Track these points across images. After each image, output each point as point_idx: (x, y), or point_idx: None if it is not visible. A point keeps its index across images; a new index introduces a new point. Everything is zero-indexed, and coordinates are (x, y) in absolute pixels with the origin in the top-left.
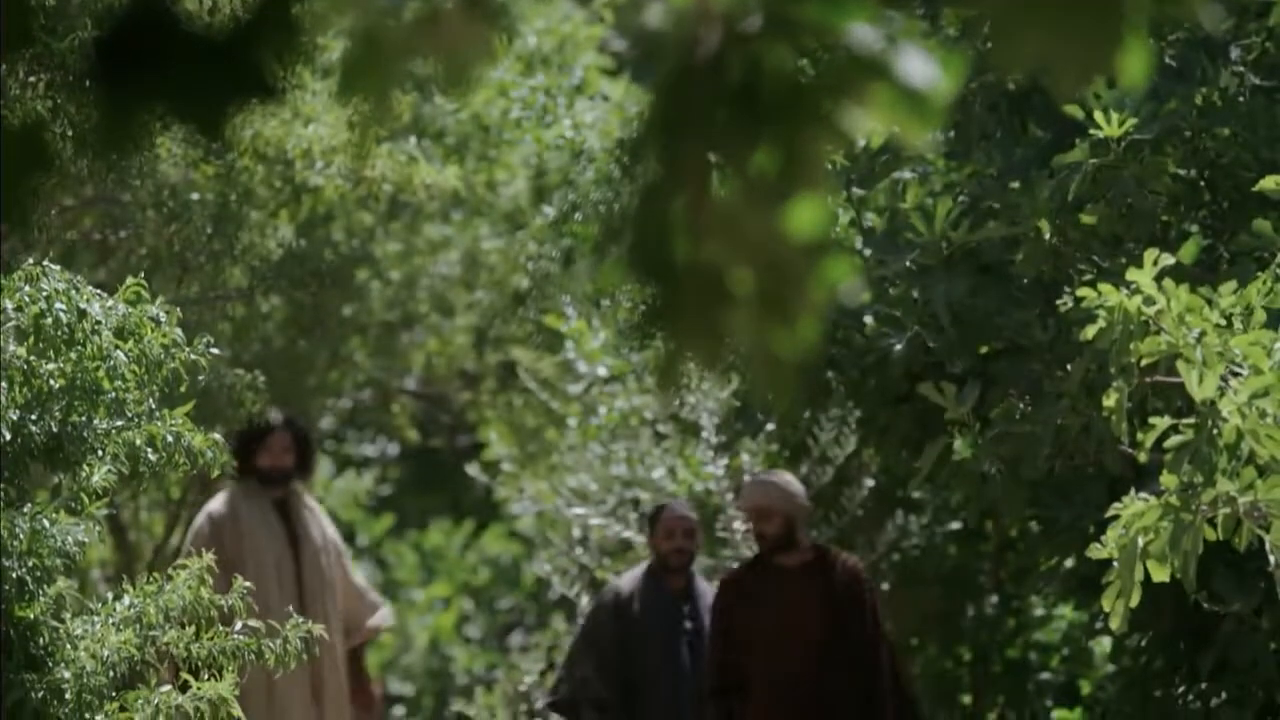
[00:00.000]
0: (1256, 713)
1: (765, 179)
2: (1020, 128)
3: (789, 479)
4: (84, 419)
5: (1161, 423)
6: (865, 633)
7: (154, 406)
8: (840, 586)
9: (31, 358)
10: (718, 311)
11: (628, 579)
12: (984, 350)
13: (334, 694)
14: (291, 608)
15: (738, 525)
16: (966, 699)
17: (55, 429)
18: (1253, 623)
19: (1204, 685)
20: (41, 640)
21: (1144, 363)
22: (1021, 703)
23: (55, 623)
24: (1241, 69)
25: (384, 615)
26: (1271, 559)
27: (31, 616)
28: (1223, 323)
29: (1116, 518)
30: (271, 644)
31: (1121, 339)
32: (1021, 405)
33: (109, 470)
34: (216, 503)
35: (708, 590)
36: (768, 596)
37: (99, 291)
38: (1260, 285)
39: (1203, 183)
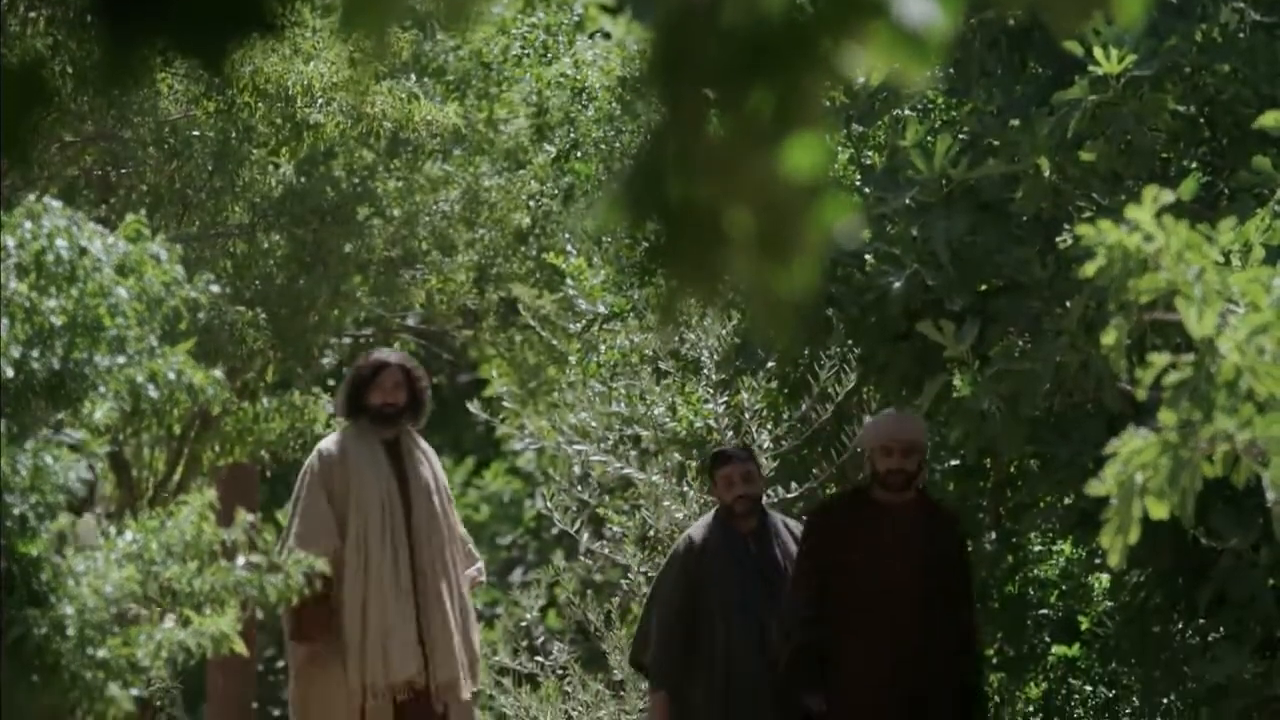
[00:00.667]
0: (1254, 647)
1: (763, 118)
2: (1020, 65)
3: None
4: (85, 356)
5: (1160, 360)
6: (959, 583)
7: (155, 343)
8: (940, 532)
9: (33, 294)
10: (717, 250)
11: (699, 526)
12: (983, 288)
13: (443, 633)
14: (400, 548)
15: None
16: None
17: (57, 366)
18: (1250, 558)
19: (1202, 620)
20: (44, 576)
21: (1143, 300)
22: (1020, 638)
23: (57, 559)
24: (1241, 5)
25: (481, 568)
26: (1269, 495)
27: (34, 553)
28: (1222, 259)
29: (1115, 454)
30: (273, 579)
31: (1120, 276)
32: (1020, 343)
33: (110, 407)
34: (328, 441)
35: (783, 527)
36: (866, 535)
37: (100, 228)
38: (1259, 222)
39: (1202, 119)
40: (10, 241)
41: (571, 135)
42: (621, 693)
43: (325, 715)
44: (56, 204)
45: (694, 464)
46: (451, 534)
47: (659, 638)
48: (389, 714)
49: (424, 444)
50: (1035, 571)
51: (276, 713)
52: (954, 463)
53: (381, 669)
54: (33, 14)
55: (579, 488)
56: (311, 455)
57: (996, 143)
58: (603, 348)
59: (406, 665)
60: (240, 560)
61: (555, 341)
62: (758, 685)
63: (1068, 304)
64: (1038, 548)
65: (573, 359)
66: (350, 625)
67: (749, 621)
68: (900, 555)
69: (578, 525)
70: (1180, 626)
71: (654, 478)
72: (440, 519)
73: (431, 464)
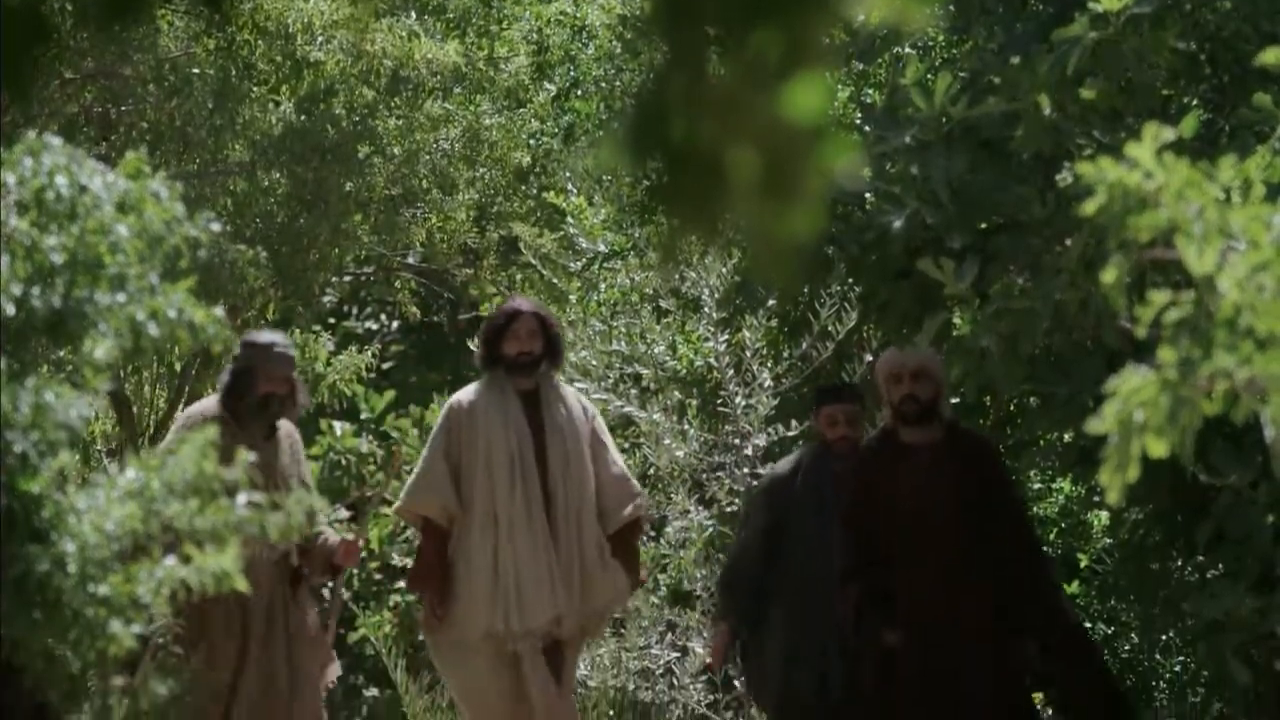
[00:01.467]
0: (1252, 583)
1: (766, 59)
2: (1020, 2)
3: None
4: (86, 294)
5: (1160, 297)
6: (1006, 519)
7: (156, 281)
8: (975, 467)
9: (33, 232)
10: (719, 189)
11: (789, 460)
12: (983, 226)
13: (574, 580)
14: (533, 499)
15: (739, 400)
16: None
17: (58, 303)
18: (1249, 495)
19: (1200, 557)
20: (45, 513)
21: (1143, 237)
22: None
23: (58, 496)
24: None
25: (640, 504)
26: (1268, 432)
27: (35, 490)
28: (1222, 197)
29: (1114, 392)
30: (275, 518)
31: (1120, 214)
32: (1020, 281)
33: (111, 345)
34: (463, 392)
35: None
36: (898, 478)
37: (100, 166)
38: (1260, 159)
39: (1203, 56)
40: (10, 178)
41: (572, 74)
42: (622, 630)
43: (459, 664)
44: (56, 141)
45: (694, 402)
46: (584, 480)
47: (730, 571)
48: (534, 661)
49: (568, 392)
50: (1035, 509)
51: None
52: (954, 401)
53: (515, 618)
54: None
55: None
56: (445, 405)
57: (997, 81)
58: (603, 286)
59: (538, 614)
60: (241, 498)
61: (556, 280)
62: (828, 622)
63: (1067, 242)
64: (1037, 485)
65: (573, 297)
66: (478, 577)
67: (826, 561)
68: (933, 498)
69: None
70: (1179, 563)
71: (654, 416)
72: (580, 468)
73: (572, 412)
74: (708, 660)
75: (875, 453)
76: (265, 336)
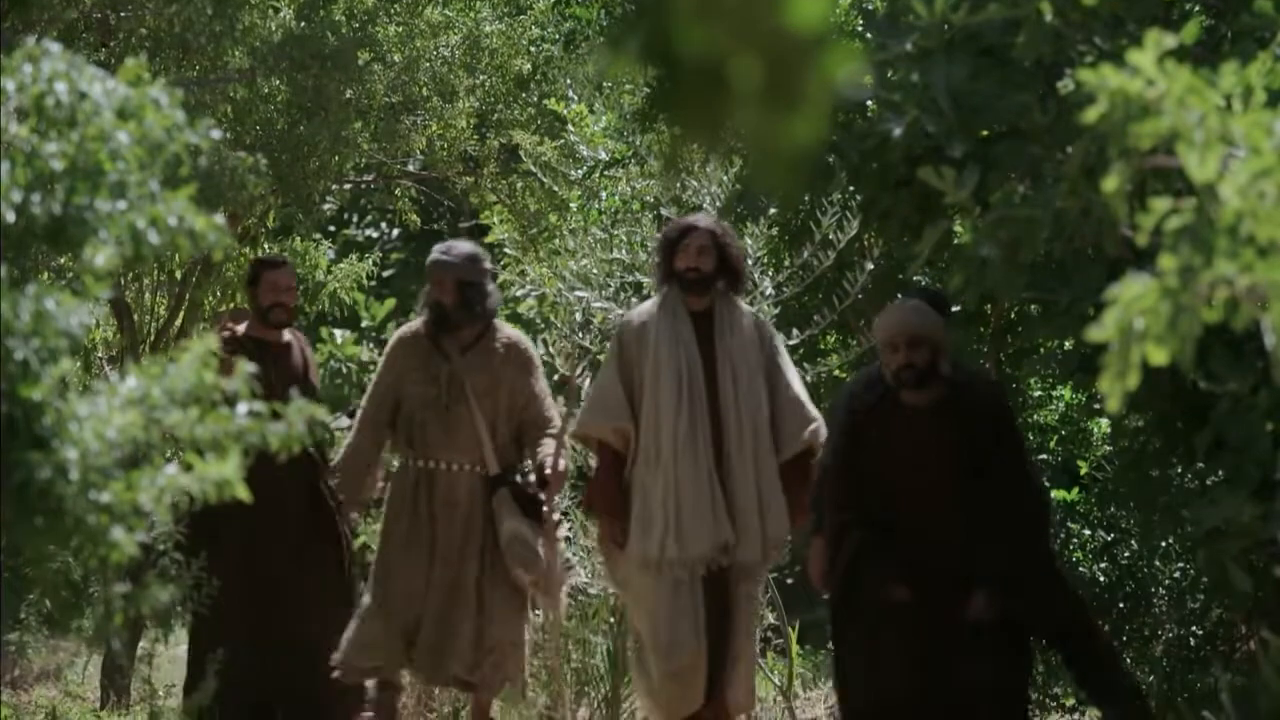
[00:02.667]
0: (1252, 490)
1: None
2: None
3: (927, 306)
4: (86, 201)
5: (1161, 205)
6: (1005, 475)
7: (156, 189)
8: (976, 426)
9: (33, 138)
10: (721, 97)
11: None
12: (984, 134)
13: (748, 509)
14: (700, 424)
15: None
16: None
17: (58, 210)
18: (1249, 402)
19: (1200, 464)
20: (46, 420)
21: (1144, 145)
22: None
23: (59, 403)
24: None
25: (816, 431)
26: (1268, 339)
27: (36, 397)
28: (1223, 104)
29: (1115, 300)
30: (276, 427)
31: (1121, 121)
32: (1021, 188)
33: (112, 252)
34: (637, 310)
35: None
36: (894, 438)
37: (100, 72)
38: (1261, 65)
39: None
40: (10, 85)
41: None
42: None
43: (634, 587)
44: (56, 47)
45: None
46: (755, 403)
47: (820, 483)
48: (695, 589)
49: (746, 313)
50: (1035, 417)
51: None
52: (954, 309)
53: (675, 546)
54: None
55: (580, 334)
56: (620, 322)
57: None
58: (604, 194)
59: (700, 543)
60: (242, 408)
61: (556, 188)
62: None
63: (1068, 150)
64: (1037, 393)
65: (574, 206)
66: (643, 502)
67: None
68: (931, 460)
69: (579, 371)
70: (1178, 470)
71: None
72: (753, 393)
73: (746, 334)
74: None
75: (874, 414)
76: (442, 247)
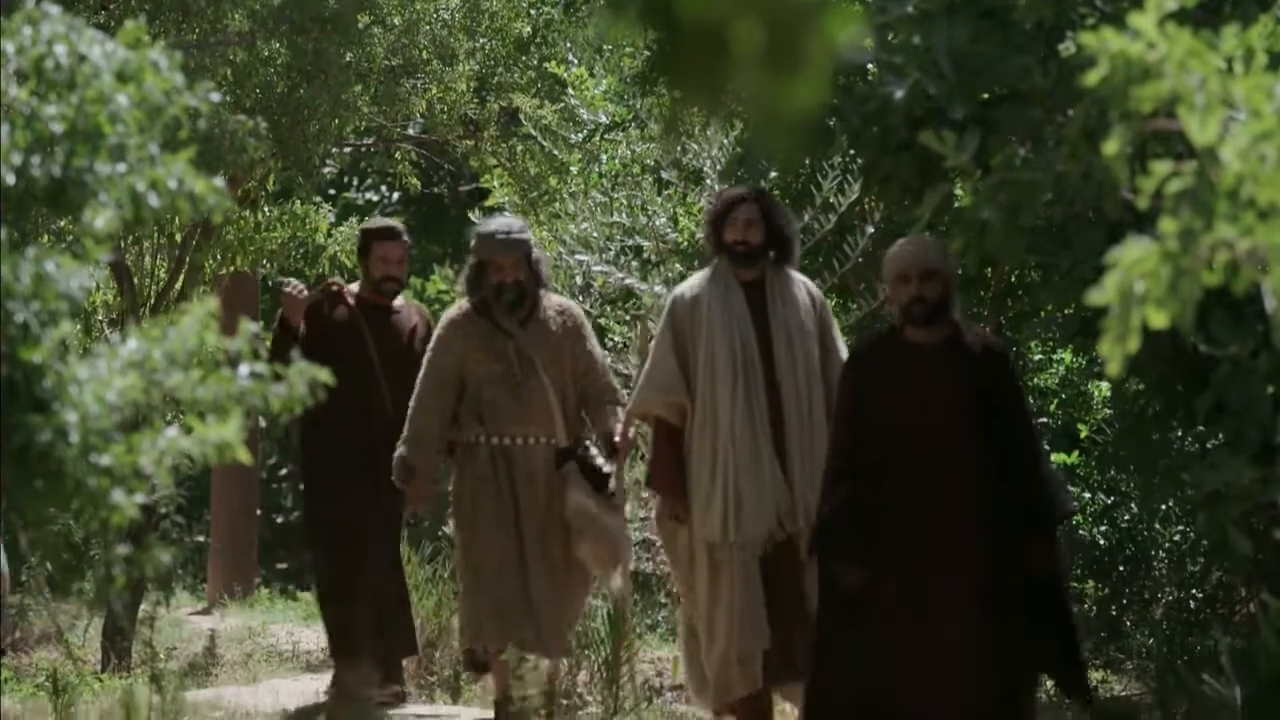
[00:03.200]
0: (1252, 453)
1: None
2: None
3: (939, 241)
4: (86, 163)
5: (1161, 168)
6: (1012, 426)
7: (156, 151)
8: (981, 366)
9: (33, 101)
10: (721, 61)
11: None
12: (985, 97)
13: (808, 480)
14: (756, 397)
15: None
16: None
17: (58, 173)
18: (1249, 365)
19: (1200, 427)
20: (46, 383)
21: (1145, 108)
22: None
23: (59, 366)
24: None
25: None
26: (1269, 302)
27: (36, 360)
28: (1225, 67)
29: (1115, 263)
30: (277, 389)
31: (1122, 84)
32: (1022, 152)
33: (112, 215)
34: (687, 282)
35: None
36: (900, 377)
37: (99, 34)
38: (1262, 28)
39: None
40: (9, 47)
41: None
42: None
43: (690, 565)
44: (56, 9)
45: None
46: (810, 372)
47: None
48: (752, 568)
49: (797, 281)
50: (1035, 380)
51: (279, 519)
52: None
53: (736, 527)
54: None
55: (580, 298)
56: (670, 295)
57: None
58: (604, 158)
59: (761, 521)
60: (243, 370)
61: (556, 151)
62: None
63: (1069, 113)
64: (1038, 357)
65: (574, 169)
66: (698, 479)
67: None
68: (939, 399)
69: None
70: (1179, 433)
71: (656, 288)
72: (809, 364)
73: (800, 304)
74: None
75: (878, 352)
76: (491, 224)
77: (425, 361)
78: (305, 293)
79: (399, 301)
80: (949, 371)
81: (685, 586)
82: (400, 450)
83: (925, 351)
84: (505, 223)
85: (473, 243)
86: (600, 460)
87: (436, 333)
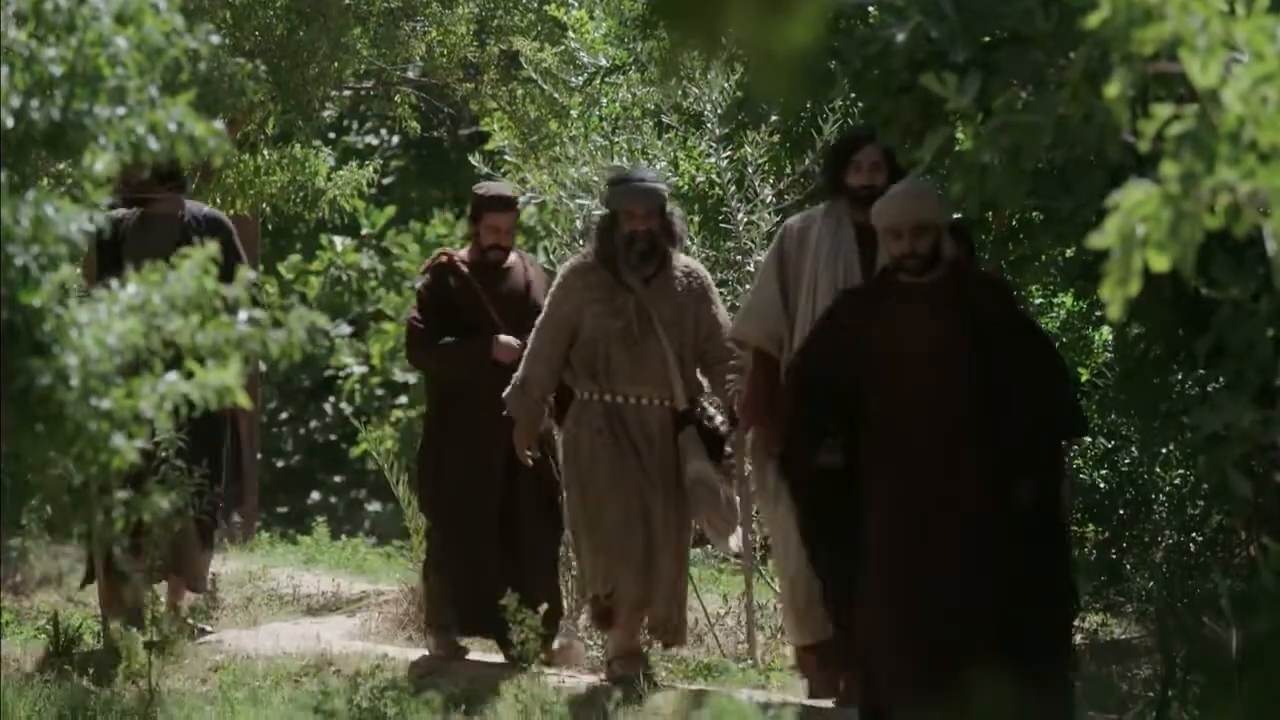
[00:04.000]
0: (1252, 396)
1: None
2: None
3: (928, 184)
4: (85, 106)
5: (1163, 111)
6: (1011, 348)
7: (155, 94)
8: (979, 300)
9: (32, 43)
10: (721, 4)
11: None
12: (986, 39)
13: None
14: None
15: (741, 217)
16: None
17: (57, 116)
18: (1250, 308)
19: (1201, 370)
20: (46, 327)
21: (1146, 51)
22: None
23: (59, 309)
24: None
25: None
26: (1270, 245)
27: (36, 303)
28: (1226, 9)
29: (1117, 207)
30: (277, 335)
31: (1124, 27)
32: (1023, 95)
33: (111, 158)
34: (797, 217)
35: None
36: (895, 316)
37: None
38: None
39: None
40: None
41: None
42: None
43: (783, 500)
44: None
45: (696, 218)
46: None
47: None
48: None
49: None
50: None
51: (279, 464)
52: (956, 216)
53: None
54: None
55: (580, 242)
56: (780, 229)
57: None
58: (604, 101)
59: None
60: (243, 314)
61: (556, 95)
62: None
63: (1071, 55)
64: (1039, 301)
65: (574, 113)
66: None
67: None
68: (927, 334)
69: None
70: (1179, 377)
71: None
72: None
73: None
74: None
75: (873, 290)
76: (626, 173)
77: (545, 306)
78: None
79: (511, 258)
80: (940, 308)
81: (770, 521)
82: (507, 392)
83: (917, 290)
84: (640, 171)
85: (605, 190)
86: (719, 426)
87: (557, 279)
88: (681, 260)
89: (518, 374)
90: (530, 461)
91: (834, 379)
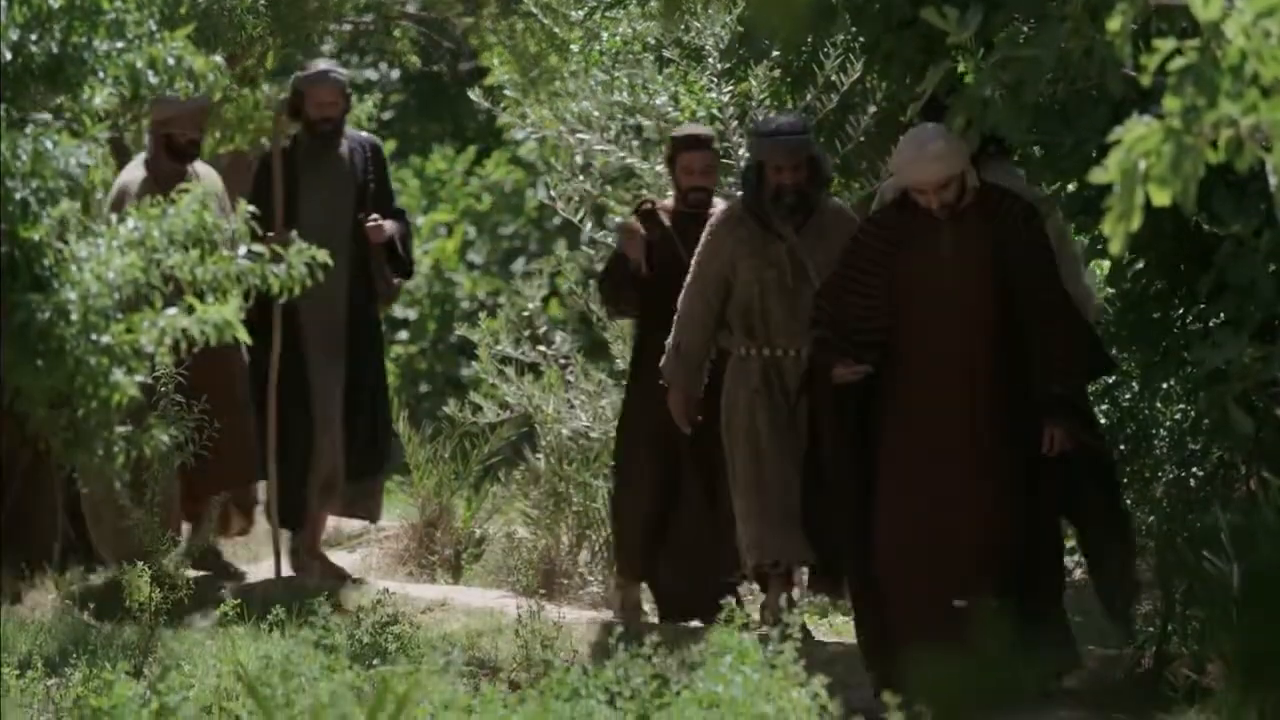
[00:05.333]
0: (1253, 332)
1: None
2: None
3: (943, 133)
4: (84, 40)
5: (1165, 45)
6: (1043, 287)
7: (154, 28)
8: (1001, 228)
9: None
10: None
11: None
12: None
13: None
14: None
15: (742, 152)
16: None
17: (55, 50)
18: (1251, 244)
19: (1202, 306)
20: (46, 261)
21: None
22: None
23: (59, 244)
24: None
25: None
26: (1272, 180)
27: (36, 238)
28: None
29: (1118, 141)
30: (276, 269)
31: None
32: (1025, 29)
33: (110, 92)
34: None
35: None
36: (921, 244)
37: None
38: None
39: None
40: None
41: None
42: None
43: None
44: None
45: None
46: None
47: None
48: None
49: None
50: None
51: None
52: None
53: None
54: None
55: (581, 177)
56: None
57: None
58: (605, 36)
59: None
60: (242, 249)
61: (557, 29)
62: None
63: None
64: None
65: (575, 47)
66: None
67: None
68: (951, 264)
69: (580, 215)
70: (1180, 312)
71: (656, 167)
72: None
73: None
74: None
75: (897, 218)
76: (772, 124)
77: (692, 266)
78: (643, 232)
79: (716, 205)
80: (965, 238)
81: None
82: (662, 362)
83: (941, 219)
84: (788, 121)
85: (750, 139)
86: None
87: (704, 236)
88: (831, 202)
89: (670, 338)
90: (689, 430)
91: (860, 308)
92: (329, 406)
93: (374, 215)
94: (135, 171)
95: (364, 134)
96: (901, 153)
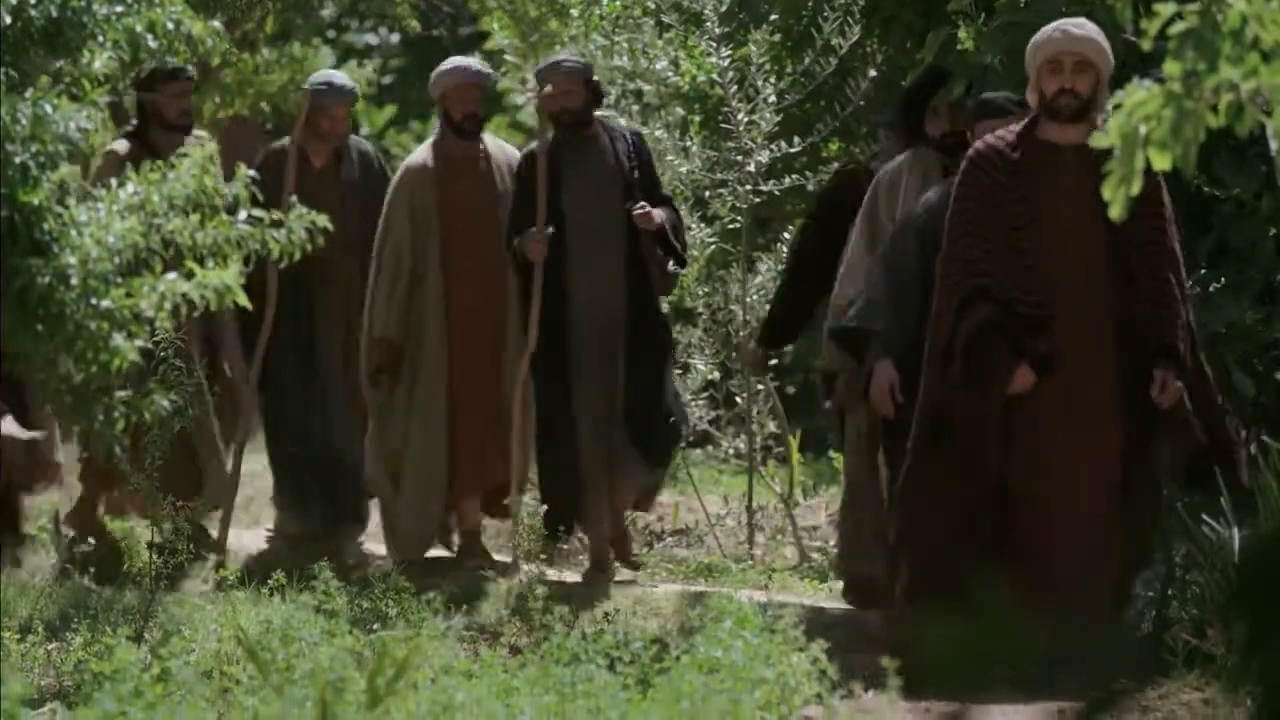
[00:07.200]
0: (1254, 295)
1: None
2: None
3: (1098, 30)
4: (84, 4)
5: (1166, 9)
6: (1156, 235)
7: None
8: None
9: None
10: None
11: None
12: None
13: None
14: None
15: (742, 116)
16: None
17: (55, 13)
18: (1252, 206)
19: (1203, 269)
20: (46, 226)
21: None
22: None
23: (59, 209)
24: None
25: None
26: (1272, 144)
27: (35, 202)
28: None
29: (1119, 105)
30: (276, 234)
31: None
32: None
33: (109, 56)
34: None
35: None
36: (1035, 181)
37: None
38: None
39: None
40: None
41: None
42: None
43: None
44: None
45: (696, 118)
46: None
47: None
48: None
49: None
50: None
51: None
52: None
53: None
54: None
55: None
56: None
57: None
58: (605, 0)
59: None
60: (242, 214)
61: None
62: None
63: None
64: None
65: (574, 12)
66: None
67: None
68: (1077, 205)
69: None
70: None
71: (657, 132)
72: None
73: None
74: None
75: (1010, 148)
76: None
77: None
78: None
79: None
80: (1091, 174)
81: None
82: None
83: (1064, 152)
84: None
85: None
86: None
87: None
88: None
89: (775, 303)
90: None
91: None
92: (595, 406)
93: (642, 203)
94: (121, 143)
95: (623, 124)
96: (1046, 29)
